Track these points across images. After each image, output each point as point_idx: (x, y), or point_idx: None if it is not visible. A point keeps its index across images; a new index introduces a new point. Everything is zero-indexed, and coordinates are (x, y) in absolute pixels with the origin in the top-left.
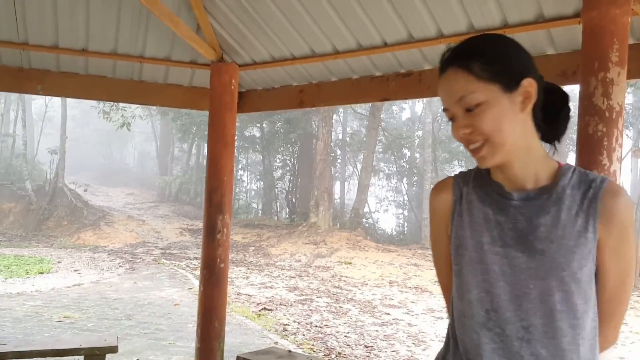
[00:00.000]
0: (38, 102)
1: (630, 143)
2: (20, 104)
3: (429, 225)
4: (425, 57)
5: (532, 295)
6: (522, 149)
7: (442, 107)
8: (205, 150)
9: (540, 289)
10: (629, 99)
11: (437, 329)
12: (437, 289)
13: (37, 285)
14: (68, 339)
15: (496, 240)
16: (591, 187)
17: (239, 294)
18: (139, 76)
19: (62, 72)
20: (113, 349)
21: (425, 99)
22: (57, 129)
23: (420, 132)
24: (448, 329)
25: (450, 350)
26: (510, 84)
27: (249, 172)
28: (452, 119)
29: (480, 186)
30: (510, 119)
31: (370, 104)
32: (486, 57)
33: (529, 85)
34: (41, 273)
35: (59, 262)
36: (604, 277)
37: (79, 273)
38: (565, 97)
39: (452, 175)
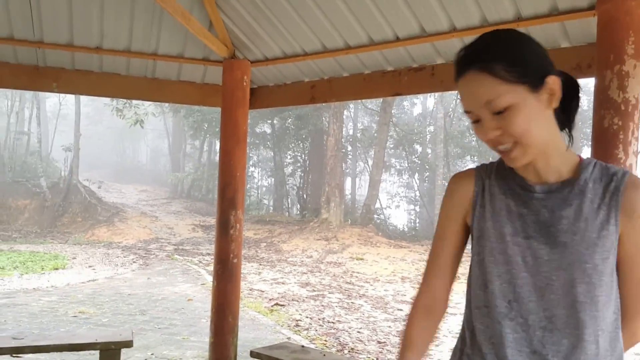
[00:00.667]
0: (52, 100)
1: None
2: (35, 102)
3: (443, 210)
4: (438, 51)
5: (554, 286)
6: (547, 145)
7: (464, 109)
8: (217, 147)
9: (564, 281)
10: None
11: (449, 325)
12: None
13: (53, 281)
14: (84, 334)
15: (519, 232)
16: (613, 180)
17: (251, 289)
18: (152, 73)
19: (77, 69)
20: (128, 344)
21: (437, 94)
22: (71, 127)
23: (432, 128)
24: (464, 321)
25: (467, 343)
26: (535, 83)
27: (260, 169)
28: (476, 121)
29: (502, 179)
30: (539, 118)
31: (381, 100)
32: (509, 58)
33: (553, 82)
34: (56, 269)
35: (74, 258)
36: (628, 271)
37: (94, 269)
38: (577, 86)
39: (474, 167)
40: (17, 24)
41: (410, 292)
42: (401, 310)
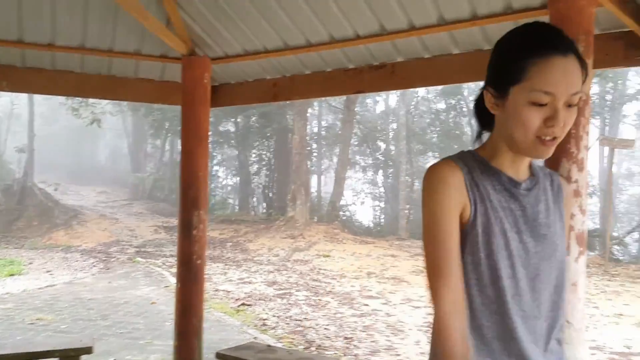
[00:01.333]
0: (3, 100)
1: (597, 132)
2: None
3: (438, 202)
4: (398, 49)
5: (541, 276)
6: None
7: (544, 89)
8: (180, 146)
9: (546, 270)
10: (594, 89)
11: (415, 319)
12: (414, 279)
13: (8, 288)
14: (42, 342)
15: (512, 227)
16: (554, 180)
17: (217, 290)
18: (109, 71)
19: (28, 67)
20: (88, 350)
21: (398, 91)
22: (25, 127)
23: (394, 125)
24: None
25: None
26: None
27: (224, 168)
28: (543, 104)
29: (487, 173)
30: None
31: (345, 97)
32: None
33: None
34: (12, 275)
35: (30, 263)
36: None
37: (52, 274)
38: None
39: (449, 157)
40: None
41: (376, 287)
42: (367, 305)
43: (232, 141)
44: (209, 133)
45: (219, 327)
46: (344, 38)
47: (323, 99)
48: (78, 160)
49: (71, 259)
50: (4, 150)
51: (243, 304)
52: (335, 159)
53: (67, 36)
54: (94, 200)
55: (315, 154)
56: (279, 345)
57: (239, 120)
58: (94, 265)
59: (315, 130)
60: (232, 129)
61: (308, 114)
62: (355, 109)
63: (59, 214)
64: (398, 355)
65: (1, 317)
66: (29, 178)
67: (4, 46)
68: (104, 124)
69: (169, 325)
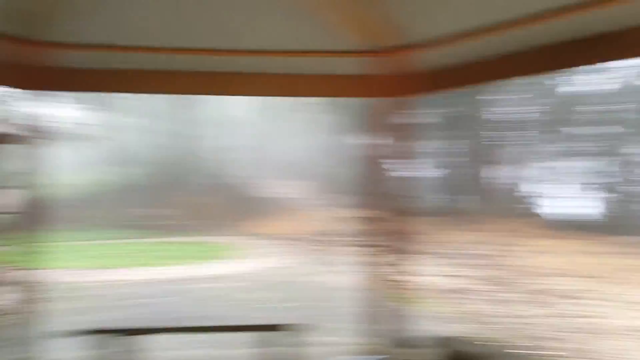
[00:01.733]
0: (224, 105)
1: None
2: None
3: None
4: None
5: None
6: None
7: None
8: (374, 140)
9: None
10: None
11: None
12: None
13: (222, 270)
14: (252, 318)
15: None
16: None
17: (414, 282)
18: (308, 70)
19: (219, 72)
20: (299, 327)
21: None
22: (236, 129)
23: (611, 106)
24: None
25: None
26: None
27: (422, 160)
28: None
29: None
30: None
31: (553, 78)
32: None
33: None
34: (226, 259)
35: (246, 249)
36: None
37: (264, 259)
38: None
39: None
40: (148, 30)
41: (600, 288)
42: (577, 305)
43: (428, 133)
44: (403, 126)
45: (417, 318)
46: (572, 4)
47: (522, 82)
48: (281, 156)
49: (279, 246)
50: (215, 150)
51: (444, 297)
52: (545, 147)
53: (255, 39)
54: (298, 192)
55: (516, 142)
56: (463, 336)
57: (434, 111)
58: (302, 253)
59: (510, 116)
60: (429, 120)
61: (505, 99)
62: (558, 90)
63: (269, 205)
64: None
65: (219, 295)
66: (248, 175)
67: (219, 55)
68: (304, 120)
69: (375, 311)
